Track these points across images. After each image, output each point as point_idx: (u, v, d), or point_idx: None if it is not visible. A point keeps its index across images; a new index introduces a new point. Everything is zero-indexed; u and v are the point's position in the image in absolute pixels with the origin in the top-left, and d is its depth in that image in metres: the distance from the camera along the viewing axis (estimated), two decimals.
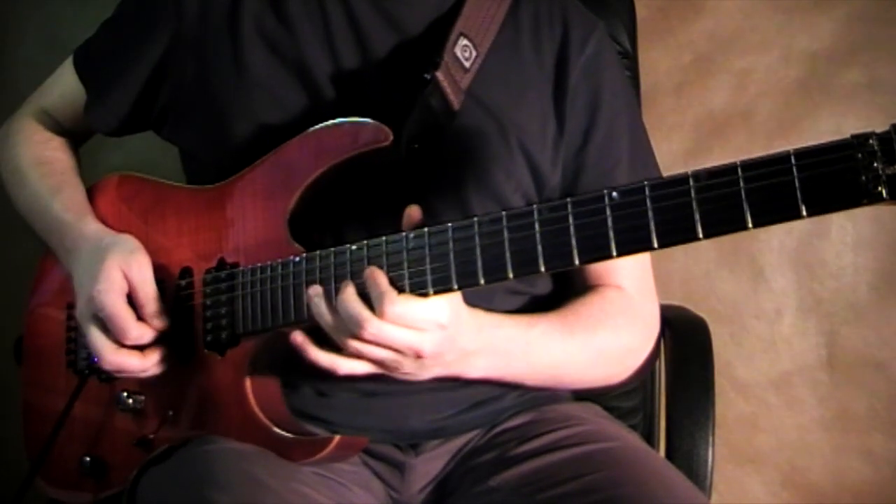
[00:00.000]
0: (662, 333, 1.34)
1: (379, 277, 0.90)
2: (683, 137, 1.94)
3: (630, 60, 1.52)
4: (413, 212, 0.93)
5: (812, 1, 1.89)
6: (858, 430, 1.88)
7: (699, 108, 1.95)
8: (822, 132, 1.87)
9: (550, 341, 1.07)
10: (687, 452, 1.19)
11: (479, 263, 0.88)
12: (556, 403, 1.17)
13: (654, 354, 1.18)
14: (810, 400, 1.91)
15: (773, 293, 1.92)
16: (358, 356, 0.94)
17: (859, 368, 1.88)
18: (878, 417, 1.87)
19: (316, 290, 0.95)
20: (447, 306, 0.92)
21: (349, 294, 0.91)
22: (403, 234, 0.92)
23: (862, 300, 1.87)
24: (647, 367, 1.16)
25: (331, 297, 0.94)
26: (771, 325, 1.92)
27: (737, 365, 1.92)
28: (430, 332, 0.92)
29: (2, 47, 2.08)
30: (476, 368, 1.01)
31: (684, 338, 1.33)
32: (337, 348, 0.95)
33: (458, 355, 0.97)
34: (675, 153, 1.93)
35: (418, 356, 0.92)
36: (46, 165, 1.25)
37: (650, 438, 1.43)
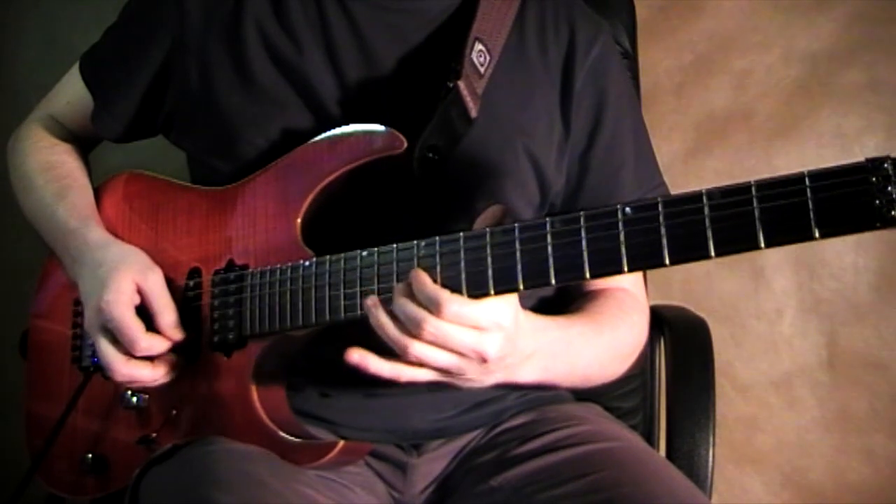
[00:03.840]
0: (662, 333, 1.35)
1: (424, 278, 0.88)
2: (683, 137, 1.95)
3: (630, 60, 1.52)
4: (495, 210, 0.91)
5: (812, 1, 1.89)
6: (859, 430, 1.88)
7: (699, 108, 1.95)
8: (822, 132, 1.88)
9: (586, 342, 1.06)
10: (687, 453, 1.19)
11: (490, 274, 0.87)
12: (557, 404, 1.17)
13: (645, 349, 1.19)
14: (811, 400, 1.91)
15: (773, 293, 1.92)
16: (420, 362, 0.90)
17: (860, 369, 1.88)
18: (879, 417, 1.87)
19: (373, 300, 0.92)
20: (506, 307, 0.89)
21: (405, 296, 0.89)
22: (414, 242, 0.92)
23: (862, 300, 1.88)
24: (639, 363, 1.18)
25: (344, 309, 0.92)
26: (771, 326, 1.92)
27: (737, 365, 1.92)
28: (492, 333, 0.89)
29: (1, 47, 2.08)
30: (528, 372, 0.98)
31: (684, 338, 1.33)
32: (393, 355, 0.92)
33: (518, 359, 0.95)
34: (675, 153, 1.93)
35: (483, 360, 0.89)
36: (51, 171, 1.25)
37: (650, 439, 1.42)
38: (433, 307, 0.87)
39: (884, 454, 1.87)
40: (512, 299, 0.90)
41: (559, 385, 1.09)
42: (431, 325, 0.86)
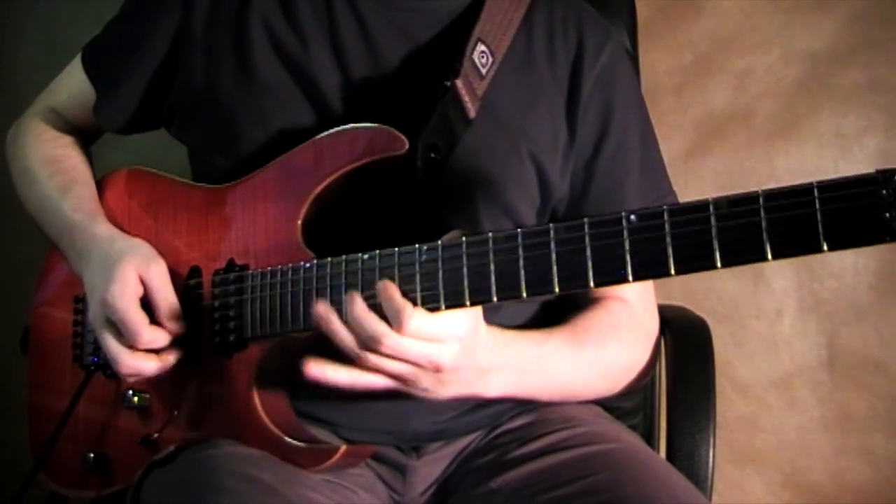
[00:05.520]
0: (662, 333, 1.35)
1: (393, 291, 0.88)
2: (683, 137, 1.94)
3: (630, 60, 1.52)
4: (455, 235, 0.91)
5: (812, 1, 1.89)
6: (859, 430, 1.88)
7: (699, 108, 1.95)
8: (822, 132, 1.88)
9: (562, 357, 1.06)
10: (687, 453, 1.19)
11: (493, 280, 0.86)
12: (557, 405, 1.17)
13: (652, 363, 1.18)
14: (810, 400, 1.91)
15: (773, 293, 1.92)
16: (376, 371, 0.92)
17: (860, 369, 1.88)
18: (879, 418, 1.87)
19: (325, 308, 0.92)
20: (464, 319, 0.90)
21: (360, 309, 0.89)
22: (416, 246, 0.91)
23: (862, 300, 1.87)
24: (646, 376, 1.16)
25: (341, 313, 0.92)
26: (771, 326, 1.92)
27: (737, 365, 1.92)
28: (449, 344, 0.90)
29: (1, 47, 2.08)
30: (494, 387, 0.99)
31: (684, 338, 1.33)
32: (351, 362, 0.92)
33: (475, 373, 0.95)
34: (675, 153, 1.93)
35: (437, 370, 0.91)
36: (55, 164, 1.24)
37: (650, 439, 1.43)
38: (395, 321, 0.87)
39: (884, 454, 1.87)
40: (474, 311, 0.91)
41: (537, 399, 1.09)
42: (391, 339, 0.88)
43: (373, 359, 0.90)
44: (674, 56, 1.95)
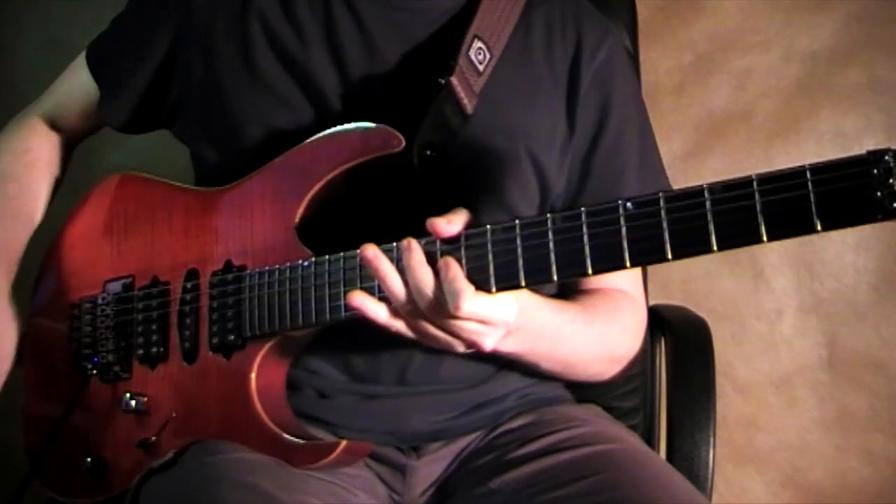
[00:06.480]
0: (663, 333, 1.35)
1: (458, 271, 0.88)
2: (683, 137, 1.95)
3: (631, 60, 1.52)
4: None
5: (812, 1, 1.90)
6: (859, 430, 1.88)
7: (699, 108, 1.95)
8: (822, 132, 1.88)
9: (574, 329, 1.07)
10: (687, 453, 1.19)
11: (492, 271, 0.88)
12: (557, 405, 1.17)
13: (640, 356, 1.19)
14: (811, 400, 1.91)
15: (773, 293, 1.92)
16: (415, 328, 0.93)
17: (859, 368, 1.88)
18: (879, 417, 1.87)
19: (374, 253, 0.91)
20: (516, 307, 0.92)
21: (429, 278, 0.89)
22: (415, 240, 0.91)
23: (862, 300, 1.88)
24: (632, 368, 1.18)
25: (342, 309, 0.93)
26: (771, 326, 1.92)
27: (737, 365, 1.92)
28: (498, 329, 0.92)
29: (1, 47, 2.08)
30: (507, 344, 0.98)
31: (685, 338, 1.33)
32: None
33: (501, 337, 0.96)
34: (675, 153, 1.93)
35: (475, 346, 0.93)
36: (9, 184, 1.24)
37: (650, 439, 1.42)
38: (452, 299, 0.87)
39: (884, 454, 1.87)
40: (525, 295, 0.92)
41: (536, 366, 1.09)
42: (444, 316, 0.89)
43: (421, 324, 0.91)
44: (674, 56, 1.95)
